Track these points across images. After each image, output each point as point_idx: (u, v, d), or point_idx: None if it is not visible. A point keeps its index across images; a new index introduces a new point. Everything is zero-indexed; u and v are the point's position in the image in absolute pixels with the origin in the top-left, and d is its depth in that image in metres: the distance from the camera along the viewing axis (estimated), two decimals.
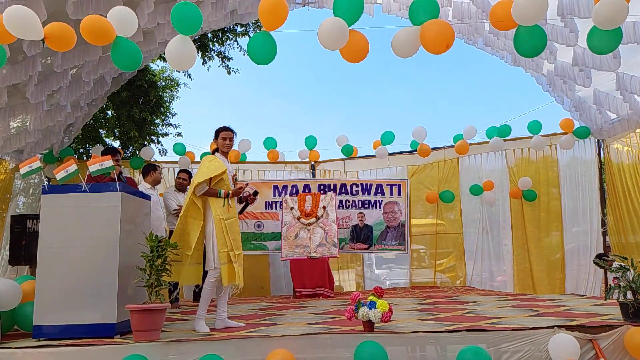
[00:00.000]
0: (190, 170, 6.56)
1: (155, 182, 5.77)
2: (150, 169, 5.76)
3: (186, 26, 3.75)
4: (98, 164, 3.67)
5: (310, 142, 8.67)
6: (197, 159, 8.39)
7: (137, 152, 9.89)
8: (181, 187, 6.09)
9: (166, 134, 11.93)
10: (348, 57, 3.98)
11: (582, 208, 7.36)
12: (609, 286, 3.74)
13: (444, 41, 3.69)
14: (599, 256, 6.56)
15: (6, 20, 3.46)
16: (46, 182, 3.82)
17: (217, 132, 4.17)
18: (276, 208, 7.77)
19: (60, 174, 3.67)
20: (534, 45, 3.81)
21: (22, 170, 3.73)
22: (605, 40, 3.69)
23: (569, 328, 3.26)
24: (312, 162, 8.88)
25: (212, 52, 10.98)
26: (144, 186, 5.62)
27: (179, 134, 12.08)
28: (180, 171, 6.30)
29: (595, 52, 3.96)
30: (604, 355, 3.14)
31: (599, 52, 3.99)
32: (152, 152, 8.47)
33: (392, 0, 6.91)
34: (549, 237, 7.59)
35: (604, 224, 7.09)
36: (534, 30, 3.77)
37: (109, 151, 5.11)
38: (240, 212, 4.27)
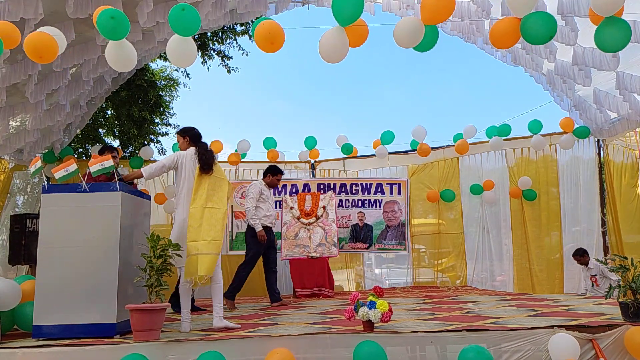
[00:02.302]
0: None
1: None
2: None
3: (184, 28, 3.76)
4: (99, 164, 3.67)
5: (310, 142, 8.66)
6: None
7: (137, 151, 9.90)
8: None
9: (165, 134, 11.93)
10: (351, 45, 4.00)
11: (582, 208, 7.36)
12: (609, 286, 3.73)
13: None
14: (577, 252, 6.60)
15: None
16: (46, 182, 3.81)
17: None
18: (276, 207, 7.77)
19: (59, 173, 3.66)
20: (543, 32, 3.67)
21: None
22: (615, 36, 3.59)
23: (569, 328, 3.26)
24: (312, 162, 8.87)
25: (212, 52, 10.97)
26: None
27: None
28: (279, 171, 6.00)
29: (604, 49, 3.82)
30: (603, 355, 3.14)
31: (608, 49, 3.81)
32: (152, 152, 8.47)
33: None
34: (548, 236, 7.59)
35: (603, 223, 7.09)
36: (542, 16, 3.71)
37: (106, 149, 5.09)
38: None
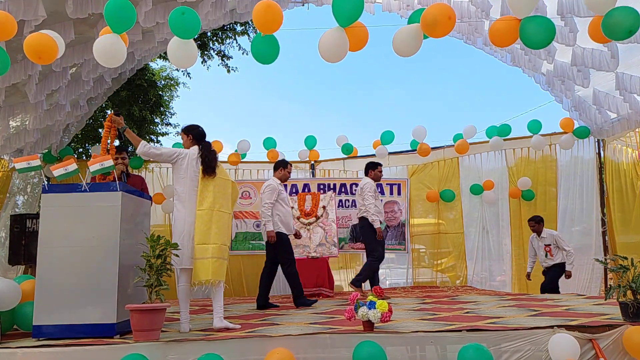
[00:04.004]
0: None
1: (284, 179, 5.65)
2: (279, 166, 5.67)
3: (184, 31, 3.76)
4: (98, 163, 3.66)
5: (310, 142, 8.67)
6: None
7: None
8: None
9: (166, 133, 11.95)
10: (350, 49, 4.00)
11: (582, 208, 7.36)
12: (609, 286, 3.74)
13: (445, 14, 3.67)
14: (534, 218, 6.66)
15: None
16: (46, 182, 3.80)
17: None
18: None
19: (58, 171, 3.65)
20: (542, 36, 3.68)
21: (19, 166, 3.65)
22: (624, 19, 3.50)
23: (569, 328, 3.26)
24: (312, 162, 8.88)
25: (212, 51, 10.98)
26: (274, 181, 5.53)
27: (178, 133, 12.09)
28: (379, 163, 6.21)
29: (611, 37, 3.71)
30: (603, 355, 3.14)
31: (615, 35, 3.67)
32: None
33: None
34: None
35: (603, 223, 7.09)
36: (541, 20, 3.71)
37: (118, 149, 5.05)
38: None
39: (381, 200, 7.88)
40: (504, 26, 3.80)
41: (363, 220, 5.92)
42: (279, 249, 5.34)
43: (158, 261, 3.41)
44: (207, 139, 4.19)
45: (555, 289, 6.38)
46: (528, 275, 6.82)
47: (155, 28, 5.84)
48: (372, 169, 6.09)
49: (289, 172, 5.70)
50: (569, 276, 6.36)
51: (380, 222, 5.88)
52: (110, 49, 3.75)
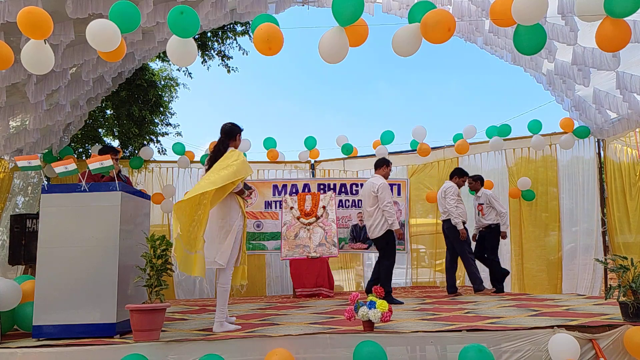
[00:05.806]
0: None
1: (386, 176, 5.82)
2: (383, 163, 5.87)
3: (183, 30, 3.76)
4: (98, 162, 3.67)
5: (310, 142, 8.66)
6: (197, 158, 8.40)
7: (137, 151, 9.90)
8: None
9: (165, 134, 11.93)
10: (350, 45, 4.01)
11: (582, 208, 7.35)
12: (609, 286, 3.74)
13: (445, 25, 3.69)
14: (473, 176, 6.89)
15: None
16: (46, 182, 3.81)
17: (237, 133, 4.21)
18: (276, 207, 7.77)
19: (59, 168, 3.68)
20: (534, 43, 3.77)
21: (21, 164, 3.68)
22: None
23: (569, 328, 3.26)
24: (312, 162, 8.87)
25: (212, 51, 10.98)
26: (382, 179, 5.68)
27: (179, 134, 12.09)
28: (465, 173, 6.61)
29: (620, 14, 3.62)
30: (603, 355, 3.14)
31: (623, 8, 3.58)
32: (152, 152, 8.46)
33: None
34: (548, 237, 7.59)
35: (603, 223, 7.08)
36: (533, 28, 3.75)
37: (107, 150, 5.07)
38: None
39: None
40: (504, 6, 3.82)
41: (447, 222, 6.34)
42: (386, 244, 5.64)
43: (159, 261, 3.41)
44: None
45: (494, 249, 6.58)
46: (474, 237, 6.90)
47: (155, 28, 5.84)
48: (459, 176, 6.52)
49: (390, 170, 5.96)
50: (504, 237, 6.61)
51: (464, 223, 6.28)
52: (103, 33, 3.73)
